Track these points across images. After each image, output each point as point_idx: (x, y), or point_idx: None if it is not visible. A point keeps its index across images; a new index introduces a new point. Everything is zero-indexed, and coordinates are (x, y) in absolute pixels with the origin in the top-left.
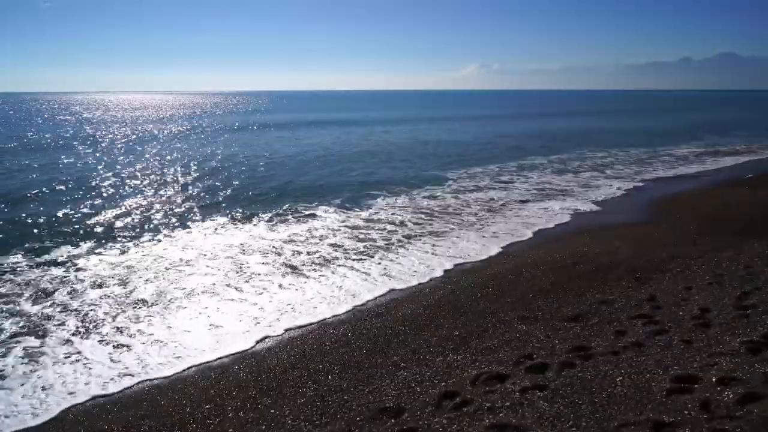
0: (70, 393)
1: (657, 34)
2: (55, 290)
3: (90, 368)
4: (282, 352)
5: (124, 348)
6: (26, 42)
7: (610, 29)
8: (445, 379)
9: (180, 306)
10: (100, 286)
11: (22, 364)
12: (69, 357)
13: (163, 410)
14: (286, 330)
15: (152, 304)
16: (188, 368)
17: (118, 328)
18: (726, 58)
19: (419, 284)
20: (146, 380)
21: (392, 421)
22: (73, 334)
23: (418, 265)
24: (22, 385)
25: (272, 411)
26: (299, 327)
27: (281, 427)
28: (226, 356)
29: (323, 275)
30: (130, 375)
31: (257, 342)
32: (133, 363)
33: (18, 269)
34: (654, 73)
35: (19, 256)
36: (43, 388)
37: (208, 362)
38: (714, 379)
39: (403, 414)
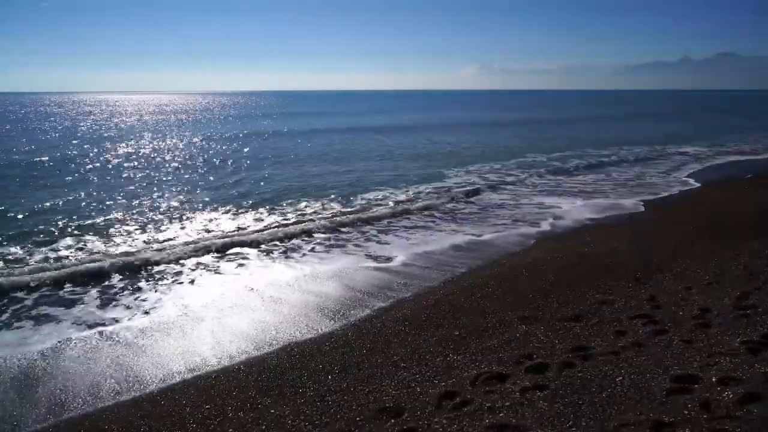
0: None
1: (657, 34)
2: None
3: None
4: (282, 351)
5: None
6: (25, 42)
7: (610, 29)
8: (445, 379)
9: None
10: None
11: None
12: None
13: (163, 410)
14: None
15: (156, 298)
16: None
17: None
18: (726, 58)
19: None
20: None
21: (392, 421)
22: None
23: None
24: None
25: (272, 411)
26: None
27: (281, 427)
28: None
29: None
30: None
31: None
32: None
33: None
34: (654, 73)
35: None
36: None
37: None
38: (714, 379)
39: (403, 414)
